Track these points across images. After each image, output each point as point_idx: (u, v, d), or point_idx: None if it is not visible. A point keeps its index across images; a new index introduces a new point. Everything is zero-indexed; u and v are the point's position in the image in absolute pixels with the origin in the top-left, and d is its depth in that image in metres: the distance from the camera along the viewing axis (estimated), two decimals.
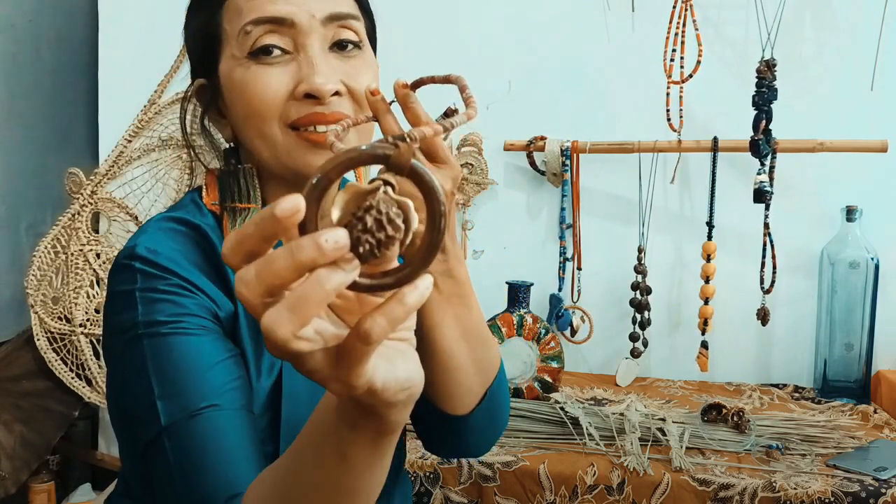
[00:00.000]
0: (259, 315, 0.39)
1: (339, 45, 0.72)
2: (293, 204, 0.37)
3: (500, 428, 0.85)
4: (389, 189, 0.39)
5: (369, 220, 0.38)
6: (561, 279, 1.69)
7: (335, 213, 0.39)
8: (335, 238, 0.37)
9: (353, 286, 0.39)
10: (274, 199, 0.74)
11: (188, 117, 0.81)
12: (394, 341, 0.46)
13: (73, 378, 1.67)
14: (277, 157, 0.72)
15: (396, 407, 0.47)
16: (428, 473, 1.18)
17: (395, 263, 0.41)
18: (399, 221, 0.39)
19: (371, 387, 0.43)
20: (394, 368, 0.45)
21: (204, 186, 0.77)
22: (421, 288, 0.40)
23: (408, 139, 0.39)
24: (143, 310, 0.66)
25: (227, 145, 0.80)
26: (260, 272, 0.38)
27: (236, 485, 0.62)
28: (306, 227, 0.38)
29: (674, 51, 1.51)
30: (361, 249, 0.38)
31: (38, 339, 1.66)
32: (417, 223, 0.40)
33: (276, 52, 0.70)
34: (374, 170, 0.43)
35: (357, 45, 0.73)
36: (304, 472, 0.53)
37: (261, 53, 0.70)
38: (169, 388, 0.64)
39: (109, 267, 0.74)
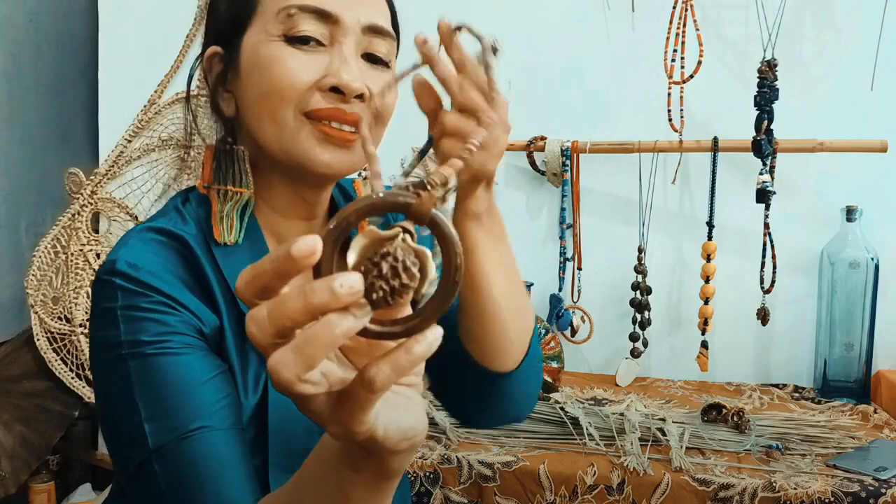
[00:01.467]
0: (268, 356, 0.39)
1: (370, 58, 0.72)
2: (310, 245, 0.36)
3: (539, 385, 0.83)
4: (408, 237, 0.39)
5: (385, 267, 0.38)
6: (561, 279, 1.69)
7: (351, 258, 0.39)
8: (350, 283, 0.37)
9: (363, 332, 0.39)
10: (264, 188, 0.74)
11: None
12: (400, 387, 0.46)
13: (73, 378, 1.67)
14: (282, 142, 0.70)
15: (398, 455, 0.46)
16: (428, 473, 1.18)
17: (408, 311, 0.41)
18: (415, 270, 0.38)
19: (372, 435, 0.42)
20: (397, 417, 0.44)
21: (201, 164, 0.75)
22: (430, 339, 0.40)
23: (429, 187, 0.39)
24: (126, 329, 0.64)
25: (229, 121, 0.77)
26: (272, 312, 0.38)
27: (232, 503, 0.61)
28: (321, 269, 0.38)
29: (674, 51, 1.51)
30: (375, 296, 0.38)
31: (38, 339, 1.66)
32: (434, 273, 0.39)
33: (313, 42, 0.69)
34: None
35: (386, 64, 0.73)
36: None
37: (297, 39, 0.69)
38: (156, 409, 0.62)
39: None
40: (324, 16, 0.69)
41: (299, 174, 0.72)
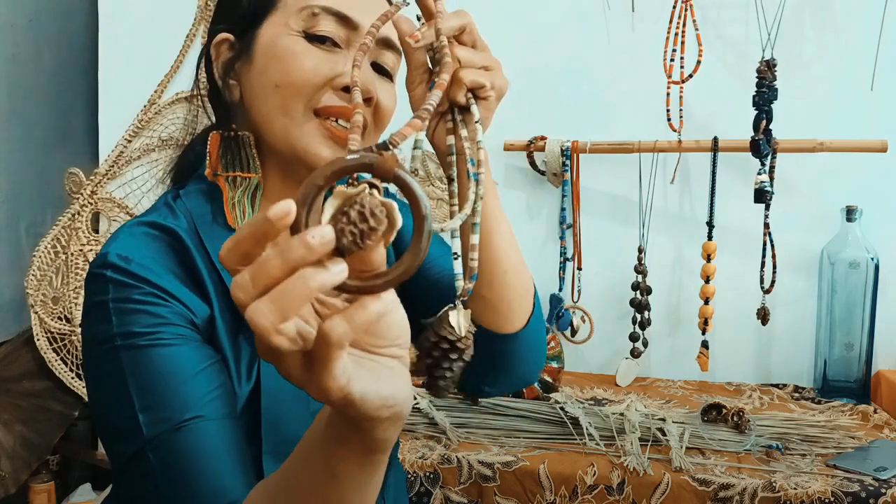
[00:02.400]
0: (243, 311, 0.41)
1: (378, 69, 0.74)
2: (285, 208, 0.39)
3: (544, 351, 0.85)
4: (375, 191, 0.42)
5: (353, 214, 0.41)
6: (561, 279, 1.69)
7: (325, 217, 0.42)
8: (321, 234, 0.39)
9: (342, 287, 0.41)
10: (263, 177, 0.75)
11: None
12: (384, 357, 0.47)
13: (73, 378, 1.67)
14: (288, 134, 0.71)
15: (381, 423, 0.47)
16: (428, 473, 1.18)
17: (384, 268, 0.43)
18: (381, 214, 0.41)
19: (348, 395, 0.44)
20: (377, 382, 0.45)
21: (207, 153, 0.76)
22: (385, 300, 0.43)
23: (390, 146, 0.42)
24: (118, 321, 0.65)
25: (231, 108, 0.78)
26: (254, 274, 0.40)
27: (226, 494, 0.62)
28: (298, 230, 0.40)
29: (674, 51, 1.51)
30: (345, 241, 0.40)
31: (38, 339, 1.66)
32: (400, 221, 0.42)
33: (329, 42, 0.71)
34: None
35: (390, 76, 0.76)
36: (297, 489, 0.54)
37: (317, 38, 0.71)
38: (150, 400, 0.63)
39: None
40: (345, 20, 0.71)
41: (297, 167, 0.73)
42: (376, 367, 0.46)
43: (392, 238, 0.43)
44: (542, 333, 0.83)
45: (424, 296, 0.77)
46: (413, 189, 0.42)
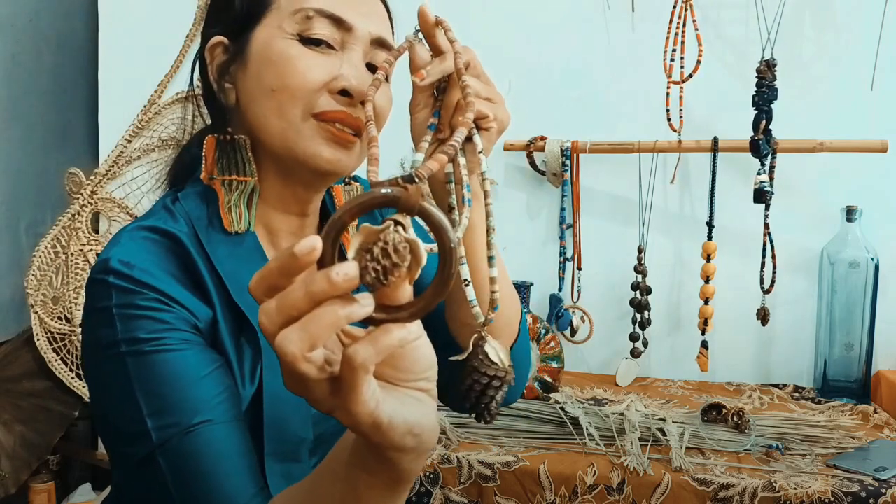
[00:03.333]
0: (275, 348, 0.42)
1: (373, 69, 0.74)
2: (310, 244, 0.40)
3: (529, 367, 0.87)
4: (400, 228, 0.42)
5: (376, 250, 0.42)
6: (561, 279, 1.69)
7: (351, 253, 0.43)
8: (345, 271, 0.40)
9: (369, 320, 0.43)
10: (260, 180, 0.75)
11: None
12: (412, 389, 0.48)
13: (73, 378, 1.67)
14: (286, 138, 0.71)
15: (407, 454, 0.48)
16: (428, 473, 1.18)
17: (410, 299, 0.44)
18: (404, 251, 0.42)
19: (376, 420, 0.44)
20: (404, 409, 0.46)
21: (203, 157, 0.76)
22: (408, 328, 0.44)
23: (416, 179, 0.43)
24: (123, 327, 0.65)
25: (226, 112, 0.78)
26: (279, 303, 0.42)
27: (238, 496, 0.62)
28: (324, 265, 0.42)
29: (674, 51, 1.51)
30: (368, 277, 0.41)
31: (38, 339, 1.66)
32: (425, 258, 0.43)
33: (324, 45, 0.71)
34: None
35: (385, 77, 0.75)
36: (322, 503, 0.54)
37: (311, 41, 0.71)
38: (158, 405, 0.63)
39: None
40: (339, 22, 0.71)
41: (295, 169, 0.73)
42: (404, 398, 0.47)
43: (417, 275, 0.43)
44: (528, 351, 0.86)
45: (435, 319, 0.78)
46: (439, 221, 0.42)
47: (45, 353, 1.66)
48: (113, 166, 1.73)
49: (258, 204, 0.76)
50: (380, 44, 0.74)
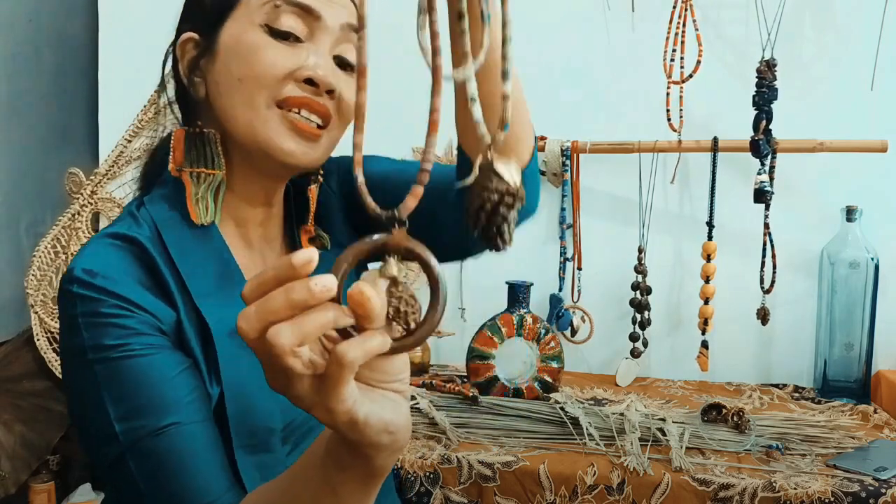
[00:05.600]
0: (255, 350, 0.45)
1: (341, 62, 0.75)
2: (307, 255, 0.44)
3: (538, 196, 0.86)
4: (394, 282, 0.48)
5: (390, 312, 0.47)
6: (561, 279, 1.69)
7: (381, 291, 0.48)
8: (324, 282, 0.43)
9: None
10: (229, 172, 0.76)
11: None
12: (387, 390, 0.50)
13: None
14: (253, 128, 0.72)
15: (382, 451, 0.50)
16: (428, 473, 1.18)
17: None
18: (413, 303, 0.48)
19: (353, 417, 0.47)
20: (379, 408, 0.49)
21: (171, 149, 0.77)
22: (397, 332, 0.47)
23: (397, 225, 0.47)
24: (89, 335, 0.66)
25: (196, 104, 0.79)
26: (258, 308, 0.44)
27: (207, 493, 0.64)
28: (337, 300, 0.46)
29: (674, 51, 1.51)
30: (399, 331, 0.48)
31: (38, 339, 1.66)
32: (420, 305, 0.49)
33: (293, 37, 0.72)
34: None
35: (353, 69, 0.77)
36: (298, 501, 0.56)
37: (279, 34, 0.72)
38: (126, 410, 0.65)
39: None
40: (307, 11, 0.72)
41: (263, 161, 0.74)
42: (379, 398, 0.49)
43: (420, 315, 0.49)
44: (537, 175, 0.86)
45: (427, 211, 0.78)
46: (426, 259, 0.48)
47: (45, 353, 1.66)
48: (113, 166, 1.73)
49: (227, 196, 0.77)
50: (350, 28, 0.75)
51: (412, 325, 0.48)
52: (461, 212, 0.78)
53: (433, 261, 0.48)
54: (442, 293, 0.48)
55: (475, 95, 0.52)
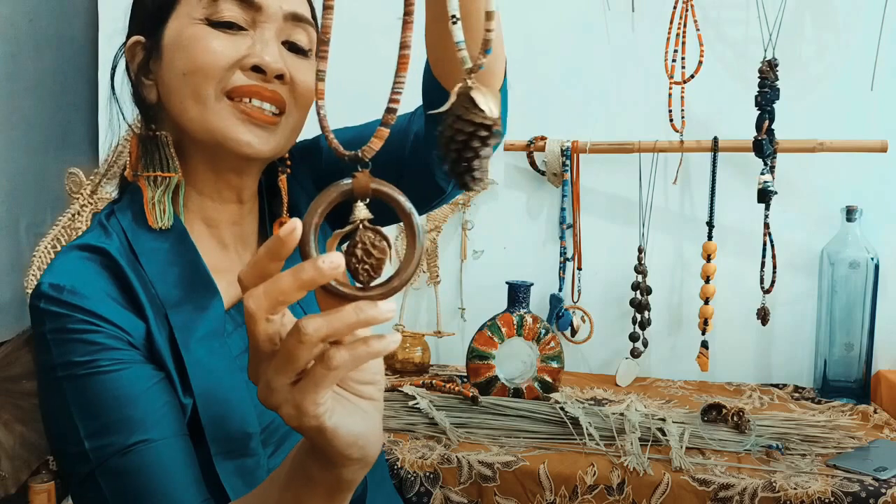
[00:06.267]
0: (258, 332, 0.46)
1: (292, 47, 0.75)
2: (291, 226, 0.44)
3: (506, 116, 0.84)
4: (366, 222, 0.47)
5: (359, 252, 0.47)
6: (561, 279, 1.69)
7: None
8: (331, 260, 0.44)
9: (342, 295, 0.46)
10: (190, 173, 0.75)
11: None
12: (360, 399, 0.50)
13: None
14: (205, 121, 0.71)
15: (351, 464, 0.50)
16: (428, 473, 1.18)
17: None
18: (381, 244, 0.47)
19: (322, 425, 0.47)
20: (351, 421, 0.48)
21: (128, 154, 0.77)
22: (388, 339, 0.47)
23: (359, 168, 0.47)
24: (57, 352, 0.65)
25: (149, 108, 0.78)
26: (267, 289, 0.45)
27: None
28: (305, 246, 0.46)
29: (675, 51, 1.51)
30: (363, 277, 0.47)
31: None
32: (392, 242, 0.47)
33: (235, 26, 0.72)
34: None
35: (305, 53, 0.76)
36: None
37: (221, 24, 0.71)
38: (95, 427, 0.64)
39: None
40: (246, 2, 0.72)
41: (221, 155, 0.73)
42: (352, 408, 0.49)
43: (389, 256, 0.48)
44: (505, 95, 0.81)
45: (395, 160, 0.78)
46: (394, 197, 0.47)
47: None
48: (113, 166, 1.73)
49: (194, 198, 0.77)
50: (296, 19, 0.74)
51: (380, 272, 0.47)
52: (424, 156, 0.79)
53: (401, 197, 0.47)
54: (418, 230, 0.47)
55: (457, 12, 0.47)
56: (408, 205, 0.47)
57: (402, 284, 0.47)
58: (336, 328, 0.44)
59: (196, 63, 0.70)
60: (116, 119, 0.78)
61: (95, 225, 0.75)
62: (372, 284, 0.48)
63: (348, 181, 0.47)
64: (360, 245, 0.47)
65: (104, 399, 0.64)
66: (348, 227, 0.47)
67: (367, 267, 0.47)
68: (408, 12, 0.45)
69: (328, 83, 0.48)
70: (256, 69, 0.71)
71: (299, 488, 0.53)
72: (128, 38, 0.78)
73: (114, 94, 0.83)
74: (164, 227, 0.73)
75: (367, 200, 0.47)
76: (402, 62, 0.45)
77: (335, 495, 0.53)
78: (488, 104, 0.47)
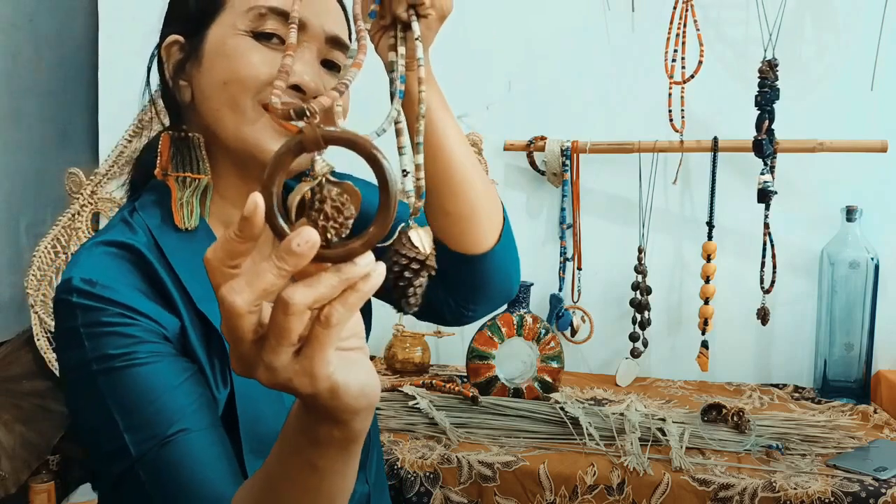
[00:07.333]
0: (236, 327, 0.44)
1: (329, 65, 0.75)
2: (252, 202, 0.42)
3: (518, 265, 0.86)
4: (329, 176, 0.45)
5: (327, 209, 0.44)
6: (561, 279, 1.69)
7: (294, 214, 0.46)
8: (305, 238, 0.42)
9: (322, 258, 0.44)
10: (215, 178, 0.76)
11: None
12: (347, 352, 0.49)
13: None
14: (239, 130, 0.71)
15: (359, 414, 0.50)
16: (428, 473, 1.18)
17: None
18: (348, 202, 0.45)
19: (333, 384, 0.46)
20: (352, 373, 0.48)
21: (158, 153, 0.77)
22: (374, 277, 0.45)
23: (307, 118, 0.44)
24: (91, 345, 0.65)
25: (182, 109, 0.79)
26: (251, 282, 0.43)
27: (218, 500, 0.62)
28: (271, 219, 0.43)
29: (675, 51, 1.51)
30: (331, 235, 0.44)
31: (38, 339, 1.65)
32: (360, 195, 0.46)
33: (276, 39, 0.72)
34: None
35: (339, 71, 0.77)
36: (280, 484, 0.55)
37: (263, 35, 0.72)
38: (134, 420, 0.64)
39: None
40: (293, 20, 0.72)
41: (251, 164, 0.74)
42: (348, 362, 0.48)
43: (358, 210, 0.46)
44: (514, 250, 0.85)
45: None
46: (348, 139, 0.44)
47: (44, 353, 1.66)
48: (113, 166, 1.73)
49: (217, 201, 0.77)
50: (335, 42, 0.75)
51: (344, 230, 0.45)
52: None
53: (360, 139, 0.44)
54: (388, 173, 0.44)
55: (407, 168, 0.60)
56: (370, 145, 0.43)
57: (382, 233, 0.45)
58: (321, 293, 0.43)
59: (237, 74, 0.71)
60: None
61: (118, 221, 0.74)
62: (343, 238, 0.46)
63: (295, 136, 0.44)
64: (329, 202, 0.44)
65: (142, 391, 0.64)
66: (306, 186, 0.45)
67: (335, 226, 0.44)
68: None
69: None
70: (296, 88, 0.71)
71: (309, 454, 0.52)
72: (163, 35, 0.78)
73: (148, 87, 0.83)
74: (189, 228, 0.73)
75: (324, 152, 0.45)
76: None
77: (348, 447, 0.53)
78: (422, 241, 0.54)
